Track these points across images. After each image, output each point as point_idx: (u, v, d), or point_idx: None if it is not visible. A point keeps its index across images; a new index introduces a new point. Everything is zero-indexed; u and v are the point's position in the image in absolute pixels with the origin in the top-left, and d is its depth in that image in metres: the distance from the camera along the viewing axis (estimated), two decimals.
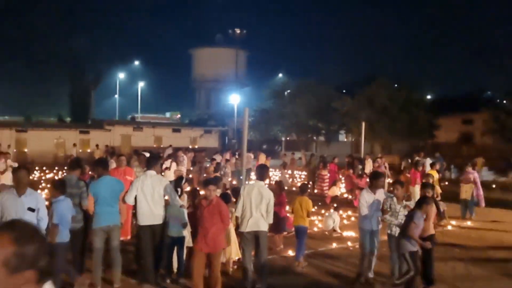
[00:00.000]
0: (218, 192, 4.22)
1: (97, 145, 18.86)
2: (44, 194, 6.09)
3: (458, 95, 32.86)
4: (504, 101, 20.68)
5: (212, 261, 3.43)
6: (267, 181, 6.09)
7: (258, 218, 3.77)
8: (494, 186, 11.94)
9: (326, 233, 6.19)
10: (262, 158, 12.24)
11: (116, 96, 36.60)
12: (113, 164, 6.18)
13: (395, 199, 4.00)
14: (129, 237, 5.24)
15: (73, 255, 3.85)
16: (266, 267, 3.87)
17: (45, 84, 38.07)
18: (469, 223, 7.18)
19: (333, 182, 9.28)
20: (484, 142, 19.67)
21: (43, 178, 12.89)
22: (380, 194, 4.13)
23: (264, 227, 3.81)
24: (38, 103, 37.52)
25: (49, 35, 38.91)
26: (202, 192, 4.39)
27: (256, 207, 3.75)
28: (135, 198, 3.79)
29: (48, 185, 8.19)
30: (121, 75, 36.20)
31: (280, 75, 34.27)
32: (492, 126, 18.82)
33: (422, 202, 3.80)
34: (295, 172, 13.81)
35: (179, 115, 41.29)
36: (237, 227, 4.12)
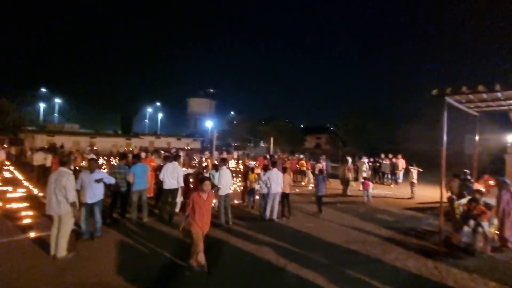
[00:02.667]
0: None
1: (135, 146, 38.05)
2: (105, 171, 7.85)
3: (315, 124, 63.56)
4: (332, 128, 43.73)
5: (204, 234, 4.44)
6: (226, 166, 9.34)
7: (227, 186, 6.98)
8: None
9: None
10: (224, 154, 17.61)
11: (146, 120, 67.05)
12: (143, 156, 9.63)
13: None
14: (152, 195, 8.51)
15: (121, 204, 7.00)
16: (229, 209, 7.03)
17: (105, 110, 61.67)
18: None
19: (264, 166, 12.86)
20: (326, 148, 42.08)
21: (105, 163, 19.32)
22: (276, 173, 7.64)
23: (229, 191, 7.03)
24: (102, 122, 62.75)
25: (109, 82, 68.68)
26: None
27: (226, 181, 6.94)
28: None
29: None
30: (149, 109, 67.07)
31: (232, 112, 57.47)
32: (329, 140, 41.39)
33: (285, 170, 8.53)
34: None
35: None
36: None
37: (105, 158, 22.06)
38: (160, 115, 68.24)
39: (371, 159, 16.76)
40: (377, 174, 16.47)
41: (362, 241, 6.20)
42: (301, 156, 18.89)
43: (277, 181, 7.54)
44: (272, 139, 24.28)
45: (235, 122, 43.58)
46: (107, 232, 5.97)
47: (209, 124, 46.26)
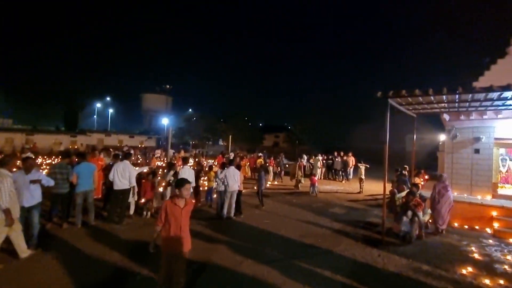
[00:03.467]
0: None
1: (81, 144, 35.04)
2: (44, 172, 6.66)
3: (273, 123, 62.59)
4: (290, 127, 45.26)
5: (181, 259, 3.42)
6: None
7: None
8: (287, 165, 20.44)
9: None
10: (182, 153, 17.37)
11: (95, 116, 59.61)
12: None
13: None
14: (100, 196, 7.78)
15: (62, 207, 6.29)
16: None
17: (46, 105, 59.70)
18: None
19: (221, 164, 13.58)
20: (284, 146, 43.30)
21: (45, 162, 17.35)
22: (233, 171, 7.71)
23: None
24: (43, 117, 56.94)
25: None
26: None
27: (189, 176, 6.96)
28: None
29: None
30: (98, 105, 59.58)
31: (190, 110, 55.98)
32: (287, 139, 42.53)
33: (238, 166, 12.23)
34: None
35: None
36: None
37: (45, 157, 20.05)
38: (110, 110, 62.65)
39: (325, 157, 17.66)
40: (330, 171, 17.41)
41: (315, 234, 6.50)
42: (260, 154, 19.12)
43: (234, 179, 7.55)
44: (230, 137, 24.20)
45: (193, 120, 42.52)
46: (47, 239, 5.42)
47: (165, 121, 44.41)
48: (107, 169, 7.66)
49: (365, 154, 16.12)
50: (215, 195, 8.30)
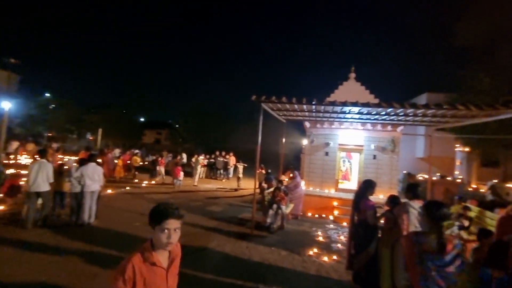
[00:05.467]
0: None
1: None
2: None
3: (156, 118, 56.95)
4: (174, 125, 44.02)
5: None
6: None
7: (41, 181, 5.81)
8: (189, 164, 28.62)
9: None
10: (32, 146, 15.59)
11: None
12: None
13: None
14: None
15: None
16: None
17: None
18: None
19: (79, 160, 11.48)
20: (166, 144, 41.59)
21: None
22: (93, 168, 6.56)
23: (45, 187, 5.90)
24: None
25: None
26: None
27: (41, 174, 5.85)
28: None
29: None
30: None
31: (47, 94, 45.32)
32: (169, 136, 40.84)
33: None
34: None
35: None
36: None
37: None
38: None
39: (207, 156, 17.90)
40: (212, 170, 17.76)
41: (190, 234, 6.39)
42: (136, 151, 17.52)
43: (93, 177, 6.45)
44: (100, 130, 21.12)
45: (51, 107, 34.49)
46: None
47: (6, 104, 34.49)
48: None
49: (245, 154, 17.27)
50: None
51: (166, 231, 1.64)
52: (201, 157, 15.43)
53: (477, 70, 13.63)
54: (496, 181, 15.47)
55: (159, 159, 14.10)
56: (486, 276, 2.51)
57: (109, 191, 10.16)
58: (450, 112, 6.22)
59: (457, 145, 19.53)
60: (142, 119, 47.19)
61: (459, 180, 14.37)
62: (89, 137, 36.41)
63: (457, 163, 21.43)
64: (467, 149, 19.28)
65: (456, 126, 8.84)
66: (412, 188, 3.80)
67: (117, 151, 17.20)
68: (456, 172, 21.25)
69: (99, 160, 8.44)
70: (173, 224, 1.65)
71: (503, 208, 5.61)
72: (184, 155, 13.01)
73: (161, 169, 13.92)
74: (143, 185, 12.65)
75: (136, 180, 13.51)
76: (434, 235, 2.37)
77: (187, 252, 5.26)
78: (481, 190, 14.70)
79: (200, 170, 14.93)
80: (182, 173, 12.24)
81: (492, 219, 5.73)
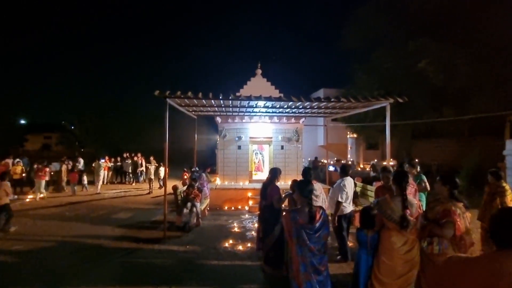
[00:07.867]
0: None
1: None
2: None
3: (42, 120, 44.77)
4: (70, 126, 38.06)
5: None
6: None
7: None
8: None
9: None
10: None
11: None
12: None
13: None
14: None
15: None
16: None
17: None
18: None
19: None
20: (59, 149, 35.30)
21: None
22: None
23: None
24: None
25: None
26: None
27: None
28: None
29: None
30: None
31: None
32: (62, 140, 34.73)
33: None
34: None
35: None
36: None
37: None
38: None
39: (113, 159, 16.09)
40: (118, 174, 16.07)
41: (91, 247, 5.64)
42: (17, 160, 14.42)
43: None
44: None
45: None
46: None
47: None
48: None
49: (157, 154, 16.21)
50: None
51: None
52: (102, 160, 13.74)
53: (358, 69, 16.33)
54: (376, 160, 18.94)
55: (38, 167, 11.31)
56: (363, 236, 3.05)
57: None
58: (338, 104, 7.22)
59: (348, 133, 23.01)
60: (22, 122, 38.46)
61: (350, 162, 16.92)
62: None
63: (349, 148, 25.29)
64: (355, 135, 22.90)
65: (345, 116, 10.36)
66: (343, 168, 5.09)
67: None
68: (349, 156, 25.05)
69: None
70: None
71: (379, 181, 6.91)
72: (81, 160, 11.31)
73: (40, 181, 10.96)
74: (27, 200, 10.49)
75: (16, 197, 11.05)
76: (306, 208, 2.88)
77: (84, 268, 4.66)
78: (367, 169, 17.71)
79: (103, 175, 13.28)
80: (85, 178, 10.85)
81: (371, 191, 6.98)
